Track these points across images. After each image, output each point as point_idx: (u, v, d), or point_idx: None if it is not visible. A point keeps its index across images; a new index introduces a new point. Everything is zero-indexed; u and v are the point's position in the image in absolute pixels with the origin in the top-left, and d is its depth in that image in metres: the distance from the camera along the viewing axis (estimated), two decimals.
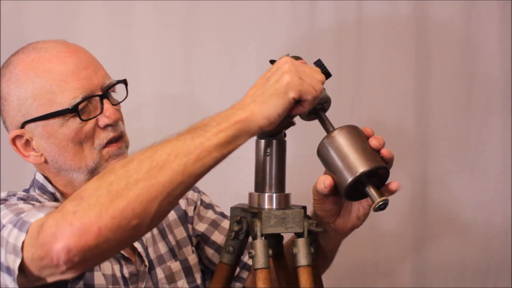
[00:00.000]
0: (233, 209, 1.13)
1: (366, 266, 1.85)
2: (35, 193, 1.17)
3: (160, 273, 1.23)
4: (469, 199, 1.85)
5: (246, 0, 1.76)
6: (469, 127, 1.83)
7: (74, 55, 1.14)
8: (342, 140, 0.97)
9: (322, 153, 0.99)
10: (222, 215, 1.37)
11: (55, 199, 1.16)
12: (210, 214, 1.36)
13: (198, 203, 1.36)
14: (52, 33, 1.72)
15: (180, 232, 1.31)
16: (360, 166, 0.95)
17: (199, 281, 1.29)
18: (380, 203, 0.94)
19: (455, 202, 1.86)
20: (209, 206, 1.38)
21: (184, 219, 1.33)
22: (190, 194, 1.36)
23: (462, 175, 1.84)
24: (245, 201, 1.16)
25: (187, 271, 1.27)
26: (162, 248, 1.26)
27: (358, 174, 0.95)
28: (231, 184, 1.73)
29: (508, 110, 1.82)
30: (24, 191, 1.19)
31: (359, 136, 0.99)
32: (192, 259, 1.30)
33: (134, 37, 1.76)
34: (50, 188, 1.17)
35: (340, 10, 1.78)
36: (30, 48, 1.16)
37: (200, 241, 1.35)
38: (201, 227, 1.34)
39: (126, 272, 1.16)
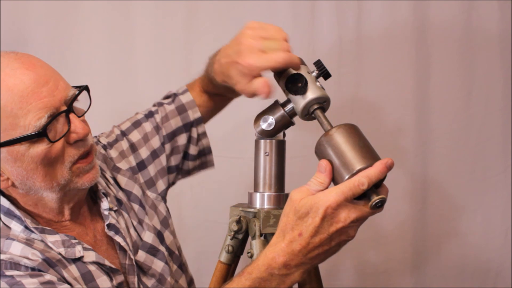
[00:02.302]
0: (232, 208, 1.13)
1: (366, 266, 1.85)
2: None
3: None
4: (469, 199, 1.85)
5: (246, 0, 1.76)
6: (469, 127, 1.83)
7: (30, 71, 1.04)
8: (339, 137, 0.97)
9: (319, 151, 0.99)
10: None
11: (24, 225, 1.11)
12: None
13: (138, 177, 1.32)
14: (52, 33, 1.73)
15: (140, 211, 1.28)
16: (357, 164, 0.94)
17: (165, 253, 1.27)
18: (377, 200, 0.93)
19: (455, 202, 1.86)
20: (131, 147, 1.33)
21: (130, 185, 1.29)
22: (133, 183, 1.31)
23: (462, 175, 1.84)
24: (245, 201, 1.16)
25: (152, 251, 1.24)
26: (133, 233, 1.23)
27: (354, 171, 0.94)
28: (231, 184, 1.73)
29: (508, 110, 1.82)
30: None
31: (356, 133, 0.98)
32: (148, 236, 1.24)
33: (134, 37, 1.76)
34: (17, 212, 1.11)
35: (340, 10, 1.78)
36: None
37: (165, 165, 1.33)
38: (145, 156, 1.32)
39: (115, 282, 1.14)
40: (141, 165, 1.31)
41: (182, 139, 1.34)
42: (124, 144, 1.31)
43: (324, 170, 0.96)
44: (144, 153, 1.31)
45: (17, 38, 1.69)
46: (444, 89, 1.82)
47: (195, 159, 1.38)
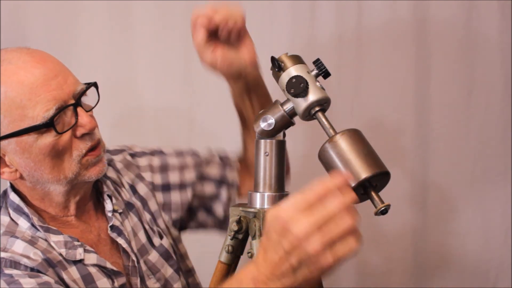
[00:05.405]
0: (232, 208, 1.13)
1: (366, 266, 1.85)
2: (7, 214, 1.12)
3: (143, 265, 1.21)
4: (469, 199, 1.85)
5: (246, 1, 1.76)
6: (469, 127, 1.83)
7: (41, 64, 1.08)
8: (344, 145, 0.97)
9: (324, 158, 0.99)
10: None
11: (31, 223, 1.12)
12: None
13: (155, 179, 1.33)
14: (52, 33, 1.73)
15: (148, 213, 1.30)
16: (363, 172, 0.95)
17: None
18: (382, 208, 0.94)
19: (455, 202, 1.85)
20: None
21: (148, 196, 1.31)
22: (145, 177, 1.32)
23: (462, 175, 1.84)
24: (245, 200, 1.16)
25: (166, 255, 1.26)
26: (142, 237, 1.24)
27: (360, 180, 0.95)
28: None
29: (508, 110, 1.82)
30: None
31: (361, 140, 0.99)
32: (165, 241, 1.27)
33: (134, 37, 1.76)
34: (26, 210, 1.13)
35: (340, 10, 1.78)
36: None
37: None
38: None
39: (117, 284, 1.15)
40: (165, 187, 1.32)
41: (209, 191, 1.36)
42: (156, 161, 1.33)
43: None
44: (173, 177, 1.33)
45: (17, 37, 1.69)
46: (444, 89, 1.82)
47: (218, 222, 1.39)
